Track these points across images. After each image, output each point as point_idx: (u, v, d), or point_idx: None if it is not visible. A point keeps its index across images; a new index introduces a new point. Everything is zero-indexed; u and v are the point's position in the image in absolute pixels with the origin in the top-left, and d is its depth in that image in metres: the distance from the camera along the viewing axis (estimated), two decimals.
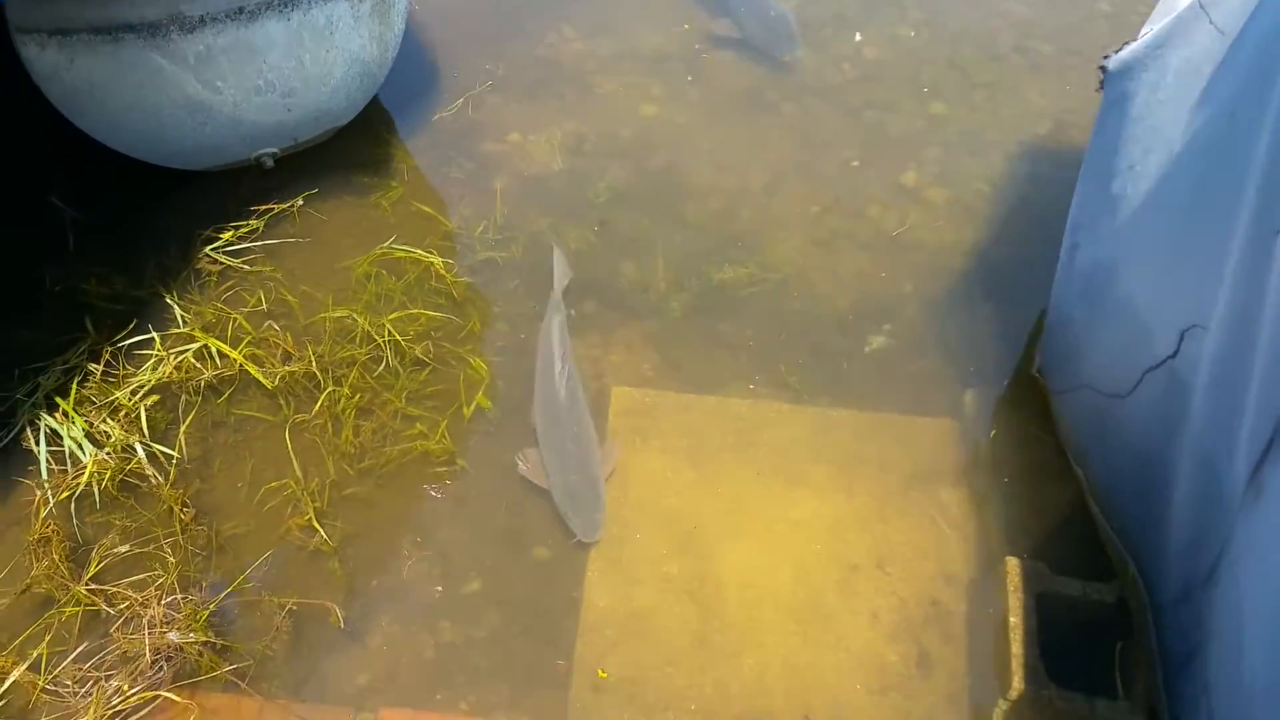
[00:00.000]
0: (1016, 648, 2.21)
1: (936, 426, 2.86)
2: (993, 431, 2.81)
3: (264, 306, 3.05)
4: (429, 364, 2.94)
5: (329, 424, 2.80)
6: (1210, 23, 1.97)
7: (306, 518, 2.62)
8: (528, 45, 4.04)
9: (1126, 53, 2.28)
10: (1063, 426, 2.77)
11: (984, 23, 4.11)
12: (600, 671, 2.34)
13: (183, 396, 2.83)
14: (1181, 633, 2.21)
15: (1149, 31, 2.22)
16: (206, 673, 2.35)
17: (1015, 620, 2.25)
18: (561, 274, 3.19)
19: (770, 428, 2.86)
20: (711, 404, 2.92)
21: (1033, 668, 2.18)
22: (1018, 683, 2.16)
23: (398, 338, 2.94)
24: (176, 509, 2.59)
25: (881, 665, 2.41)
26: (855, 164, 3.60)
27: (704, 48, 4.03)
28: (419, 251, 3.20)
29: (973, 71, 3.92)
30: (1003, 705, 2.20)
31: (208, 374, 2.83)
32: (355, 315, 3.00)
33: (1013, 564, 2.35)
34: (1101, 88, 2.42)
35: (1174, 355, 2.20)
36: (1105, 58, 2.39)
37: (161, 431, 2.78)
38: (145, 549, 2.56)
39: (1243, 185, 1.85)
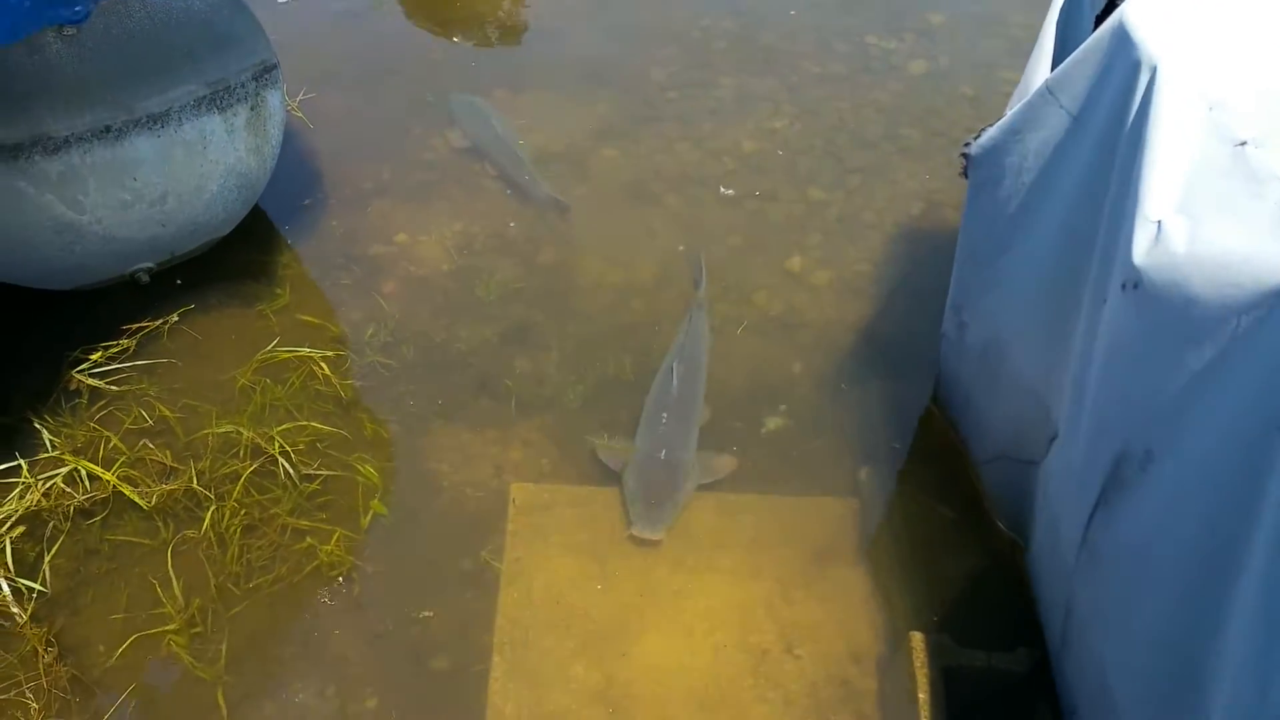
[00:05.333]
0: None
1: (836, 505, 2.87)
2: (888, 509, 2.84)
3: (143, 424, 2.93)
4: (319, 475, 2.85)
5: (214, 543, 2.67)
6: (1060, 106, 2.08)
7: (184, 645, 2.48)
8: (413, 148, 4.06)
9: (985, 138, 2.39)
10: (991, 496, 2.79)
11: (855, 112, 4.28)
12: None
13: (51, 523, 2.68)
14: (1064, 695, 2.25)
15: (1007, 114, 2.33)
16: None
17: (923, 696, 2.23)
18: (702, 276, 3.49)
19: None
20: (611, 496, 2.88)
21: None
22: None
23: (287, 448, 2.85)
24: (40, 649, 2.42)
25: None
26: (741, 252, 3.67)
27: (590, 145, 4.09)
28: (304, 349, 3.14)
29: (846, 158, 4.06)
30: None
31: (79, 498, 2.69)
32: (241, 428, 2.90)
33: (917, 639, 2.34)
34: (965, 173, 2.53)
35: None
36: (966, 145, 2.50)
37: (30, 564, 2.61)
38: (6, 695, 2.38)
39: (1094, 258, 1.93)
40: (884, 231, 3.74)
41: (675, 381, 3.05)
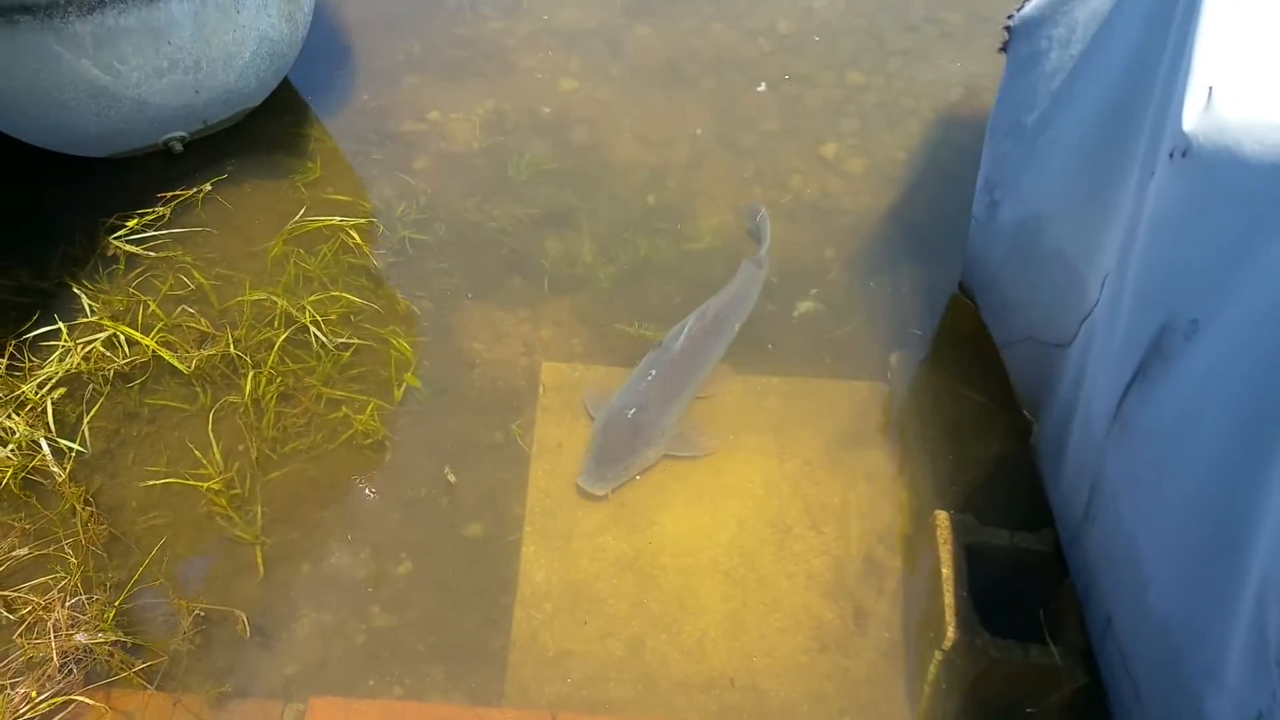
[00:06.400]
0: (949, 598, 2.22)
1: (865, 389, 2.88)
2: (916, 393, 2.85)
3: (179, 291, 2.96)
4: (352, 345, 2.88)
5: (250, 410, 2.72)
6: None
7: (223, 506, 2.55)
8: (445, 24, 3.98)
9: (1030, 9, 2.32)
10: (1013, 379, 2.79)
11: None
12: None
13: (91, 386, 2.73)
14: (1078, 572, 2.28)
15: None
16: (119, 674, 2.25)
17: (947, 572, 2.27)
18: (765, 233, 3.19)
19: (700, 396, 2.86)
20: None
21: (966, 618, 2.20)
22: (951, 633, 2.18)
23: (318, 318, 2.87)
24: (78, 506, 2.49)
25: (819, 624, 2.42)
26: (775, 136, 3.61)
27: (624, 23, 4.00)
28: (335, 218, 3.15)
29: (887, 41, 3.95)
30: (938, 656, 2.22)
31: (119, 362, 2.73)
32: (274, 297, 2.92)
33: (941, 517, 2.37)
34: (1005, 48, 2.46)
35: (1097, 303, 2.25)
36: (1009, 17, 2.43)
37: (71, 425, 2.67)
38: (46, 550, 2.45)
39: (1143, 131, 1.89)
40: (923, 118, 3.66)
41: (682, 337, 2.83)
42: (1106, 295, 2.11)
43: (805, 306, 3.08)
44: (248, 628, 2.36)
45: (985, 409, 2.78)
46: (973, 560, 2.31)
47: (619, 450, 2.64)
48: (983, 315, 2.90)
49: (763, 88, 3.78)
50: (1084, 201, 2.23)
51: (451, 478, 2.65)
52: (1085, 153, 2.20)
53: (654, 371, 2.79)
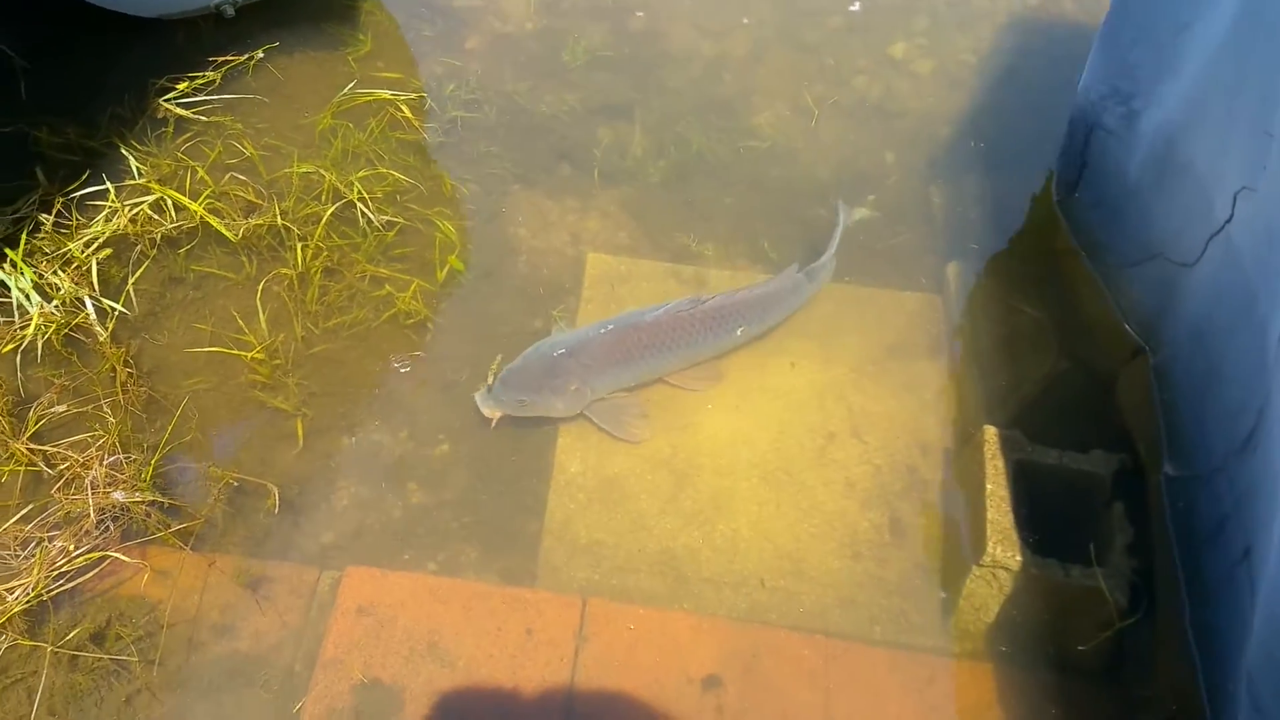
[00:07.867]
0: (992, 514, 2.19)
1: (918, 300, 2.80)
2: (971, 306, 2.77)
3: (227, 160, 2.92)
4: (398, 224, 2.84)
5: (295, 281, 2.70)
6: None
7: (265, 375, 2.54)
8: None
9: None
10: (1129, 300, 2.64)
11: None
12: None
13: (138, 248, 2.71)
14: (1214, 502, 2.14)
15: None
16: (155, 533, 2.27)
17: (991, 487, 2.23)
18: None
19: None
20: (688, 273, 2.84)
21: (1007, 534, 2.16)
22: (990, 548, 2.15)
23: (365, 195, 2.83)
24: (118, 366, 2.50)
25: (854, 532, 2.40)
26: (842, 32, 3.46)
27: None
28: (385, 92, 3.09)
29: None
30: (975, 571, 2.20)
31: (166, 226, 2.71)
32: (322, 170, 2.87)
33: (990, 432, 2.32)
34: None
35: (1230, 220, 2.14)
36: None
37: (115, 286, 2.67)
38: (85, 408, 2.47)
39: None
40: (995, 21, 3.50)
41: (659, 312, 2.55)
42: (1255, 215, 1.97)
43: (861, 213, 2.98)
44: (277, 501, 2.37)
45: (1042, 326, 2.70)
46: (1018, 478, 2.27)
47: (524, 383, 2.48)
48: (1103, 235, 2.73)
49: (855, 7, 3.60)
50: (1216, 110, 2.09)
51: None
52: (1219, 59, 2.06)
53: (609, 327, 2.55)
